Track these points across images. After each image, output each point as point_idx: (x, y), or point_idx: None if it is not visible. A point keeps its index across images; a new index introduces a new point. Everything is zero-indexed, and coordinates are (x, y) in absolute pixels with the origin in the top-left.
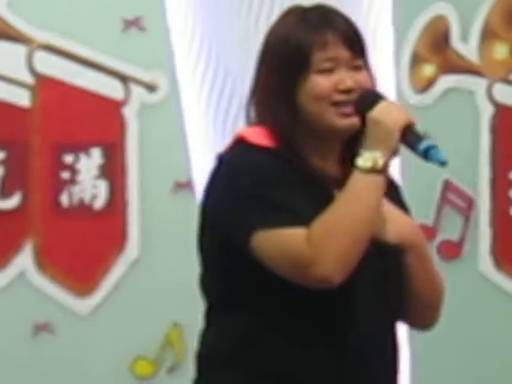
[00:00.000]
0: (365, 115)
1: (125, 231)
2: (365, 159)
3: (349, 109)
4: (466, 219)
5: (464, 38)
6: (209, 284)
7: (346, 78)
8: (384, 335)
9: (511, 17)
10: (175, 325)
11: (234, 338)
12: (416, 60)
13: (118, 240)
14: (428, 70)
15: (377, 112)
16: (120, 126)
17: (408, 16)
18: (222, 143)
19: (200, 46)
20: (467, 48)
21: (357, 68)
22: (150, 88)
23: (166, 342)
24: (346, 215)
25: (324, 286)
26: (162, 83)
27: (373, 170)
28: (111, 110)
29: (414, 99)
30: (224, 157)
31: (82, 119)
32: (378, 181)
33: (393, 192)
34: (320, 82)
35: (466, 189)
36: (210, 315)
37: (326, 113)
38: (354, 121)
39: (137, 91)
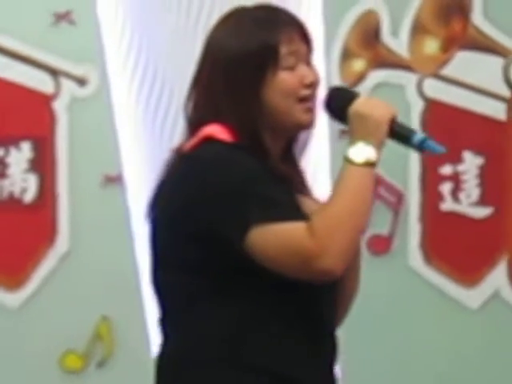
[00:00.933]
0: (343, 111)
1: (55, 224)
2: (358, 153)
3: (313, 104)
4: (396, 214)
5: (394, 32)
6: (174, 282)
7: (309, 73)
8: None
9: (441, 12)
10: (105, 318)
11: (217, 334)
12: (346, 54)
13: (47, 233)
14: (358, 64)
15: (362, 106)
16: (50, 119)
17: (339, 10)
18: (152, 137)
19: (130, 41)
20: (397, 43)
21: (310, 63)
22: (81, 82)
23: (95, 336)
24: (346, 209)
25: (325, 279)
26: (93, 77)
27: (367, 164)
28: (41, 103)
29: None
30: (194, 154)
31: (12, 113)
32: (372, 174)
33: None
34: (287, 78)
35: (396, 183)
36: (179, 315)
37: (292, 109)
38: (316, 116)
39: (67, 85)
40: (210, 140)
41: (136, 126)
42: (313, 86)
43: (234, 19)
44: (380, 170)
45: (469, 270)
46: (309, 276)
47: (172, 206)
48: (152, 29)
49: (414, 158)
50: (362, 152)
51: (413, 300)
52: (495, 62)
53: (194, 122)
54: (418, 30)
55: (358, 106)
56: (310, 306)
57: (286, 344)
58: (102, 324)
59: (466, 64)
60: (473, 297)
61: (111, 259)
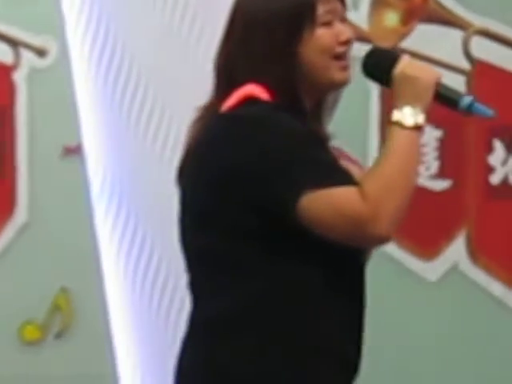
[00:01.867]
0: (387, 73)
1: (14, 195)
2: (407, 117)
3: (347, 62)
4: None
5: (355, 5)
6: (211, 246)
7: (345, 30)
8: None
9: None
10: (63, 290)
11: (249, 301)
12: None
13: (6, 204)
14: (391, 17)
15: (409, 68)
16: (9, 90)
17: None
18: (111, 109)
19: (90, 11)
20: (357, 15)
21: (345, 20)
22: (40, 53)
23: (54, 307)
24: (398, 172)
25: (377, 244)
26: (52, 48)
27: (415, 127)
28: (1, 74)
29: None
30: (239, 114)
31: None
32: (419, 137)
33: None
34: (324, 35)
35: (356, 156)
36: (213, 281)
37: (329, 66)
38: (350, 75)
39: (26, 56)
40: (251, 99)
41: (95, 97)
42: (348, 43)
43: None
44: (340, 143)
45: (427, 243)
46: (362, 242)
47: (218, 168)
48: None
49: (373, 131)
50: (410, 115)
51: (372, 273)
52: (455, 35)
53: (227, 81)
54: (378, 2)
55: (404, 68)
56: (354, 279)
57: (329, 317)
58: (61, 295)
59: (426, 37)
60: (431, 269)
61: (70, 231)
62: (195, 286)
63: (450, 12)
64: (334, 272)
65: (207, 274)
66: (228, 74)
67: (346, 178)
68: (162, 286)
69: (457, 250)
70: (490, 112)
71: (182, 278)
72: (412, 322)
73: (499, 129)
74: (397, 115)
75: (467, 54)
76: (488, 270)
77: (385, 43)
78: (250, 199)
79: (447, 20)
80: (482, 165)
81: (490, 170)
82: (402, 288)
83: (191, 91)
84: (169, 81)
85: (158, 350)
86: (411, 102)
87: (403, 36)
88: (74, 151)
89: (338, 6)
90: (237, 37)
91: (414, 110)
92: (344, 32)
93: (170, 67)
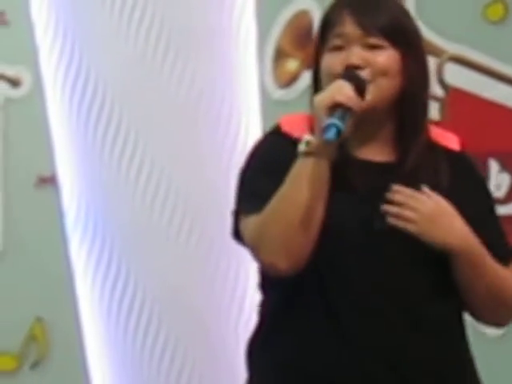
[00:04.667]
0: None
1: None
2: (302, 142)
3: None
4: None
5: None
6: None
7: (352, 55)
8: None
9: None
10: (39, 320)
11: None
12: (279, 55)
13: None
14: (291, 64)
15: (319, 94)
16: None
17: (271, 11)
18: (85, 138)
19: (63, 41)
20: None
21: (373, 47)
22: (14, 83)
23: (29, 337)
24: (284, 200)
25: (274, 272)
26: (26, 78)
27: (307, 153)
28: None
29: (278, 94)
30: None
31: None
32: (313, 163)
33: (462, 175)
34: (329, 59)
35: None
36: None
37: None
38: (368, 98)
39: (0, 86)
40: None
41: (69, 127)
42: (356, 68)
43: None
44: None
45: None
46: (265, 268)
47: None
48: (85, 29)
49: None
50: (304, 141)
51: None
52: (429, 62)
53: None
54: None
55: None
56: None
57: (299, 340)
58: (36, 325)
59: None
60: None
61: (45, 260)
62: None
63: (423, 39)
64: (295, 290)
65: None
66: None
67: (254, 206)
68: (137, 313)
69: None
70: (327, 138)
71: (157, 303)
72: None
73: (472, 156)
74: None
75: (441, 81)
76: None
77: None
78: None
79: None
80: None
81: None
82: None
83: (165, 120)
84: (143, 109)
85: (134, 377)
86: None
87: None
88: (48, 181)
89: (351, 29)
90: None
91: (309, 137)
92: (347, 58)
93: (143, 96)
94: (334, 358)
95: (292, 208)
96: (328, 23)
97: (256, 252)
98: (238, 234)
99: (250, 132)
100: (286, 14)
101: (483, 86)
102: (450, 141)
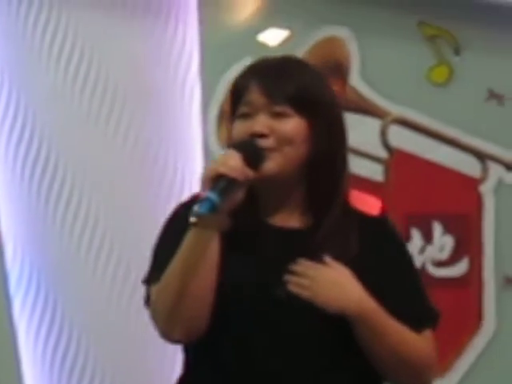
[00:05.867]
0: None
1: None
2: (192, 213)
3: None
4: None
5: None
6: None
7: (257, 123)
8: None
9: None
10: None
11: None
12: (224, 116)
13: None
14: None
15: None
16: None
17: (216, 71)
18: (28, 199)
19: (8, 98)
20: None
21: (279, 115)
22: None
23: None
24: (171, 271)
25: (169, 341)
26: None
27: (194, 224)
28: None
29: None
30: None
31: None
32: (197, 235)
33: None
34: (237, 127)
35: None
36: None
37: None
38: (267, 168)
39: None
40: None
41: (13, 188)
42: (260, 136)
43: None
44: None
45: None
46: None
47: None
48: (30, 87)
49: None
50: (192, 212)
51: None
52: (373, 124)
53: None
54: None
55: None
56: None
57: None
58: None
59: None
60: None
61: None
62: None
63: (367, 100)
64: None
65: None
66: None
67: (157, 276)
68: (79, 372)
69: None
70: (202, 209)
71: (100, 362)
72: None
73: (416, 217)
74: None
75: (384, 143)
76: None
77: None
78: None
79: (365, 108)
80: None
81: None
82: None
83: (109, 172)
84: (90, 168)
85: None
86: None
87: None
88: None
89: (257, 97)
90: None
91: (196, 208)
92: (253, 125)
93: (87, 150)
94: None
95: (176, 279)
96: (237, 91)
97: (153, 321)
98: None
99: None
100: (230, 75)
101: (426, 148)
102: (369, 206)
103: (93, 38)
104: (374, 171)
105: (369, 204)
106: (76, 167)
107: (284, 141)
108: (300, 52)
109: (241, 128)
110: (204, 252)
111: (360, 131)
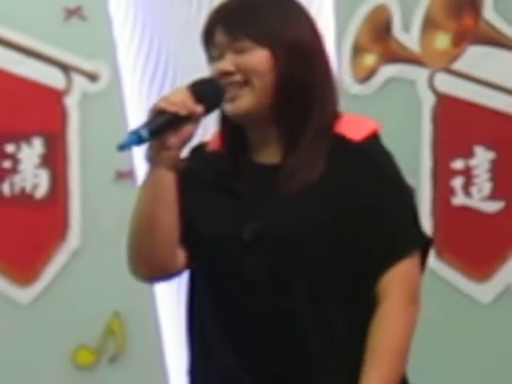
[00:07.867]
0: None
1: (66, 221)
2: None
3: (230, 93)
4: None
5: (405, 27)
6: None
7: (223, 62)
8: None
9: (453, 6)
10: (116, 314)
11: None
12: (357, 49)
13: (59, 229)
14: (369, 59)
15: None
16: (61, 115)
17: (350, 5)
18: None
19: (141, 36)
20: (408, 37)
21: (242, 51)
22: (92, 77)
23: (107, 332)
24: (134, 210)
25: (138, 279)
26: (104, 73)
27: (147, 159)
28: (53, 99)
29: (355, 89)
30: None
31: (24, 108)
32: (149, 172)
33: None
34: (211, 70)
35: (408, 178)
36: None
37: None
38: (240, 105)
39: (78, 80)
40: None
41: None
42: (226, 74)
43: None
44: None
45: (480, 264)
46: None
47: None
48: (163, 23)
49: (425, 153)
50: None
51: (424, 295)
52: (506, 57)
53: None
54: (429, 24)
55: None
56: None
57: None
58: (114, 320)
59: (478, 58)
60: (484, 291)
61: (122, 255)
62: None
63: (501, 33)
64: (214, 290)
65: None
66: None
67: None
68: None
69: (509, 272)
70: (118, 145)
71: None
72: (465, 344)
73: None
74: None
75: None
76: None
77: (436, 65)
78: None
79: (498, 41)
80: None
81: None
82: (455, 310)
83: None
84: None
85: None
86: None
87: (454, 58)
88: (126, 175)
89: (220, 38)
90: None
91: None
92: (217, 66)
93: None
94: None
95: (136, 217)
96: (205, 36)
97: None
98: None
99: None
100: (364, 9)
101: None
102: (354, 130)
103: None
104: (508, 104)
105: (352, 128)
106: None
107: (250, 73)
108: None
109: (212, 71)
110: (156, 189)
111: (493, 64)
